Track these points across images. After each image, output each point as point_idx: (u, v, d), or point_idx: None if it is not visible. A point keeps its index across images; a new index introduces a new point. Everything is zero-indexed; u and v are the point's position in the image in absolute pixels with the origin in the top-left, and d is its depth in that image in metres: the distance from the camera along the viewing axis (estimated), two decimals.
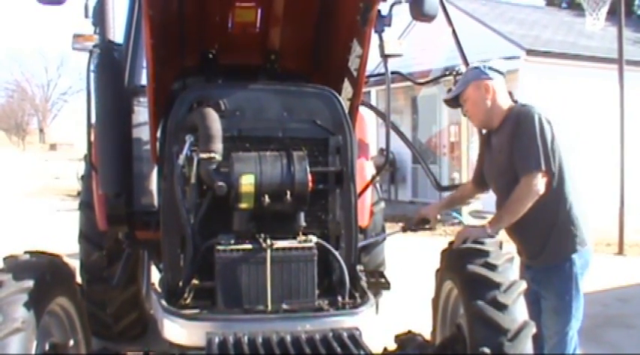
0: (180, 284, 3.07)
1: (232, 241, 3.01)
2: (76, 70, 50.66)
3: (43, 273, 2.85)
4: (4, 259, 2.94)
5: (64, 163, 29.75)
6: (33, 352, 2.67)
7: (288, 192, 3.02)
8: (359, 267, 3.42)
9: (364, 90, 3.94)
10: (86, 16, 3.63)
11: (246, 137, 3.27)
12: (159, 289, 3.24)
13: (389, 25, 3.67)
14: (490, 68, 3.57)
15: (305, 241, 3.09)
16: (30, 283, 2.72)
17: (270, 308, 2.96)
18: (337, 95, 3.45)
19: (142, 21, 3.22)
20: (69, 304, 3.10)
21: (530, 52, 14.33)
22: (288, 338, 2.73)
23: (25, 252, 3.03)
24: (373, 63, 4.20)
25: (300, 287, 3.04)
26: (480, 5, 18.05)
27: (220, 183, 2.98)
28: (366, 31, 3.50)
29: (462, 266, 3.13)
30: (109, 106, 3.48)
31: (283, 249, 3.03)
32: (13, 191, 20.32)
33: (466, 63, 4.34)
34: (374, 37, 3.62)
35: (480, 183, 3.83)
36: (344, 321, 2.93)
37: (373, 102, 14.36)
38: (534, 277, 3.46)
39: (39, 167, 32.87)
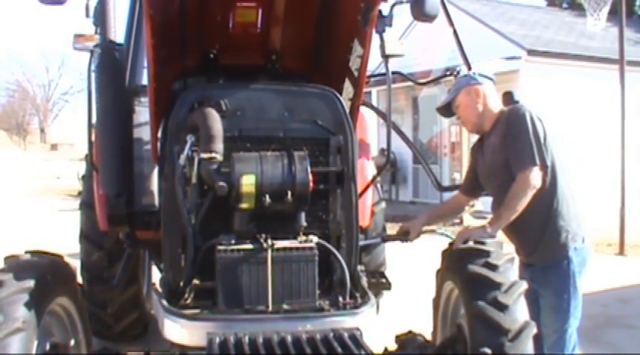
0: (181, 284, 3.07)
1: (233, 241, 3.01)
2: (77, 70, 50.67)
3: (43, 273, 2.85)
4: (5, 259, 2.95)
5: (65, 163, 29.77)
6: (34, 352, 2.67)
7: (289, 192, 3.02)
8: (360, 267, 3.42)
9: (365, 90, 3.94)
10: (87, 16, 3.63)
11: (247, 137, 3.27)
12: (159, 289, 3.24)
13: (390, 25, 3.67)
14: (480, 74, 3.67)
15: (306, 241, 3.09)
16: (31, 283, 2.72)
17: (270, 308, 2.96)
18: (338, 95, 3.45)
19: (143, 21, 3.22)
20: (70, 304, 3.11)
21: (531, 53, 14.33)
22: (289, 338, 2.73)
23: (26, 252, 3.03)
24: (374, 63, 4.21)
25: (301, 288, 3.04)
26: (481, 5, 18.05)
27: (221, 183, 2.98)
28: (367, 31, 3.50)
29: (462, 266, 3.13)
30: (110, 106, 3.49)
31: (284, 249, 3.03)
32: (14, 191, 20.34)
33: (467, 63, 4.35)
34: (375, 37, 3.62)
35: (471, 190, 3.88)
36: (345, 321, 2.93)
37: (374, 103, 14.36)
38: (533, 276, 3.47)
39: (40, 167, 32.89)
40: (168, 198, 3.18)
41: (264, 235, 3.03)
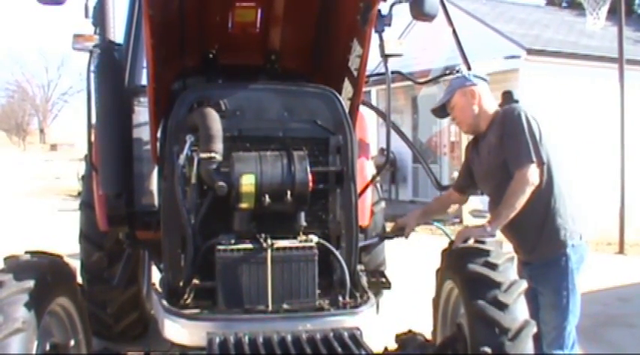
0: (181, 284, 3.07)
1: (233, 241, 3.01)
2: (77, 70, 50.70)
3: (43, 273, 2.85)
4: (5, 259, 2.95)
5: (65, 163, 29.77)
6: (34, 352, 2.67)
7: (289, 192, 3.02)
8: (359, 267, 3.42)
9: (364, 89, 3.94)
10: (86, 16, 3.63)
11: (247, 137, 3.27)
12: (159, 289, 3.24)
13: (389, 25, 3.67)
14: (474, 75, 3.70)
15: (306, 241, 3.09)
16: (31, 283, 2.72)
17: (270, 308, 2.96)
18: (337, 95, 3.45)
19: (142, 21, 3.21)
20: (70, 304, 3.11)
21: (531, 52, 14.33)
22: (289, 337, 2.73)
23: (26, 252, 3.03)
24: (373, 62, 4.20)
25: (301, 287, 3.04)
26: (480, 5, 18.05)
27: (221, 183, 2.98)
28: (366, 31, 3.50)
29: (462, 265, 3.13)
30: (110, 106, 3.48)
31: (284, 248, 3.03)
32: (14, 191, 20.34)
33: (467, 62, 4.35)
34: (374, 37, 3.62)
35: (464, 188, 3.90)
36: (345, 321, 2.93)
37: (373, 102, 14.36)
38: (531, 274, 3.48)
39: (39, 167, 32.89)
40: (168, 198, 3.17)
41: (263, 235, 3.03)
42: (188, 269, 3.07)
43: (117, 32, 3.71)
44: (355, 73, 3.72)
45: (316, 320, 2.92)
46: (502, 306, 2.90)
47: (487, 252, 3.15)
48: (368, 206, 4.38)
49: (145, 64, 3.78)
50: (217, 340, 2.69)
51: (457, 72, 4.33)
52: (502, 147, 3.45)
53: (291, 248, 3.04)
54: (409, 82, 6.49)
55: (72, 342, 3.13)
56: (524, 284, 3.04)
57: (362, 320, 2.95)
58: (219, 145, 3.07)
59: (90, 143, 3.80)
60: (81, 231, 4.71)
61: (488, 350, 2.78)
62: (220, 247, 2.99)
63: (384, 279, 4.39)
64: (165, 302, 2.98)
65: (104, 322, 4.73)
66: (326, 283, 3.23)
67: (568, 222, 3.47)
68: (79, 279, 3.79)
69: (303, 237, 3.11)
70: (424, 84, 5.92)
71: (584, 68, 14.51)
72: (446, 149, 16.63)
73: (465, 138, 14.96)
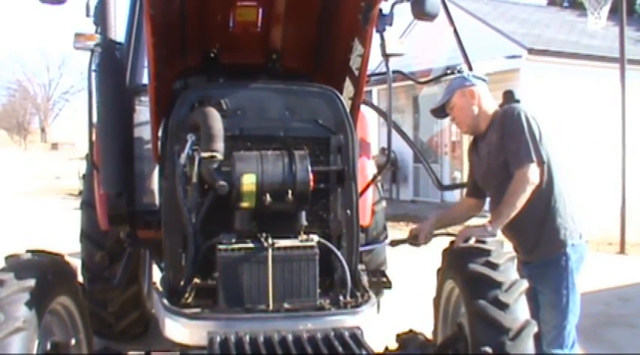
0: (182, 283, 3.07)
1: (234, 240, 3.01)
2: (78, 69, 50.77)
3: (44, 272, 2.85)
4: (6, 258, 2.95)
5: (66, 163, 29.81)
6: (34, 351, 2.67)
7: (290, 192, 3.02)
8: (360, 266, 3.42)
9: (365, 89, 3.93)
10: (87, 15, 3.63)
11: (248, 136, 3.27)
12: (160, 288, 3.24)
13: (390, 24, 3.67)
14: (473, 76, 3.70)
15: (306, 240, 3.08)
16: (31, 282, 2.72)
17: (271, 307, 2.96)
18: (339, 94, 3.45)
19: (143, 20, 3.22)
20: (70, 303, 3.10)
21: (532, 51, 14.33)
22: (290, 337, 2.73)
23: (27, 251, 3.03)
24: (374, 62, 4.21)
25: (302, 287, 3.03)
26: (481, 4, 18.04)
27: (222, 183, 2.98)
28: (367, 30, 3.50)
29: (463, 265, 3.13)
30: (111, 106, 3.48)
31: (285, 248, 3.02)
32: (15, 190, 20.35)
33: (468, 62, 4.35)
34: (375, 36, 3.62)
35: (476, 192, 3.85)
36: (345, 320, 2.93)
37: (375, 102, 14.36)
38: (531, 273, 3.48)
39: (40, 166, 32.90)
40: (169, 198, 3.18)
41: (264, 234, 3.03)
42: (189, 269, 3.07)
43: (118, 31, 3.71)
44: (356, 73, 3.72)
45: (317, 319, 2.92)
46: (503, 306, 2.89)
47: (488, 252, 3.14)
48: (369, 205, 4.37)
49: (146, 63, 3.78)
50: (218, 339, 2.69)
51: (458, 71, 4.33)
52: (502, 147, 3.45)
53: (292, 247, 3.04)
54: (410, 82, 6.51)
55: (73, 341, 3.13)
56: (524, 284, 3.04)
57: (363, 320, 2.95)
58: (220, 144, 3.07)
59: (91, 142, 3.80)
60: (82, 230, 4.71)
61: (488, 349, 2.78)
62: (221, 246, 2.99)
63: (384, 279, 4.39)
64: (166, 302, 2.98)
65: (105, 321, 4.73)
66: (327, 282, 3.23)
67: (568, 222, 3.48)
68: (80, 278, 3.79)
69: (304, 237, 3.10)
70: (425, 83, 5.93)
71: (585, 68, 14.51)
72: (447, 148, 16.62)
73: (467, 138, 14.98)
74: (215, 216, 3.13)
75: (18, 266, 2.85)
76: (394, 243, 4.09)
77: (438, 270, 3.60)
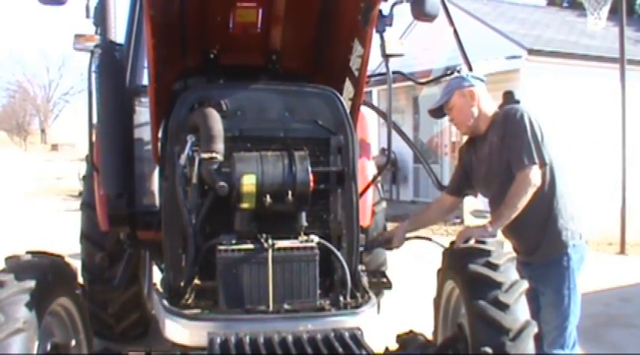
0: (182, 284, 3.07)
1: (234, 241, 3.01)
2: (78, 70, 50.77)
3: (44, 273, 2.85)
4: (6, 259, 2.95)
5: (66, 164, 29.80)
6: (34, 352, 2.67)
7: (290, 192, 3.02)
8: (360, 267, 3.42)
9: (365, 89, 3.94)
10: (87, 16, 3.63)
11: (248, 137, 3.27)
12: (160, 289, 3.24)
13: (390, 25, 3.67)
14: (472, 76, 3.69)
15: (307, 241, 3.09)
16: (32, 283, 2.72)
17: (271, 308, 2.96)
18: (338, 95, 3.45)
19: (143, 21, 3.22)
20: (70, 304, 3.10)
21: (532, 52, 14.33)
22: (290, 338, 2.73)
23: (27, 252, 3.03)
24: (374, 63, 4.20)
25: (302, 287, 3.03)
26: (481, 5, 18.05)
27: (222, 183, 2.98)
28: (367, 31, 3.50)
29: (463, 265, 3.13)
30: (111, 107, 3.49)
31: (285, 248, 3.03)
32: (15, 191, 20.35)
33: (468, 63, 4.35)
34: (375, 37, 3.62)
35: (457, 191, 3.86)
36: (346, 321, 2.93)
37: (374, 102, 14.35)
38: (532, 274, 3.48)
39: (40, 167, 32.90)
40: (169, 199, 3.18)
41: (264, 235, 3.03)
42: (189, 270, 3.07)
43: (118, 32, 3.71)
44: (356, 73, 3.72)
45: (317, 320, 2.92)
46: (503, 307, 2.89)
47: (488, 253, 3.14)
48: (369, 206, 4.37)
49: (146, 64, 3.78)
50: (218, 340, 2.69)
51: (458, 72, 4.33)
52: (504, 148, 3.45)
53: (292, 248, 3.04)
54: (410, 82, 6.50)
55: (73, 342, 3.13)
56: (525, 285, 3.04)
57: (363, 321, 2.95)
58: (220, 145, 3.07)
59: (91, 143, 3.80)
60: (82, 231, 4.71)
61: (489, 350, 2.78)
62: (221, 247, 2.99)
63: (385, 279, 4.38)
64: (166, 303, 2.98)
65: (105, 322, 4.73)
66: (327, 283, 3.23)
67: (569, 223, 3.48)
68: (80, 279, 3.79)
69: (304, 237, 3.10)
70: (425, 84, 5.92)
71: (585, 68, 14.51)
72: (447, 149, 16.61)
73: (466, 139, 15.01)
74: (215, 216, 3.13)
75: (18, 267, 2.84)
76: (369, 246, 4.07)
77: (438, 271, 3.60)
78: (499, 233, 3.47)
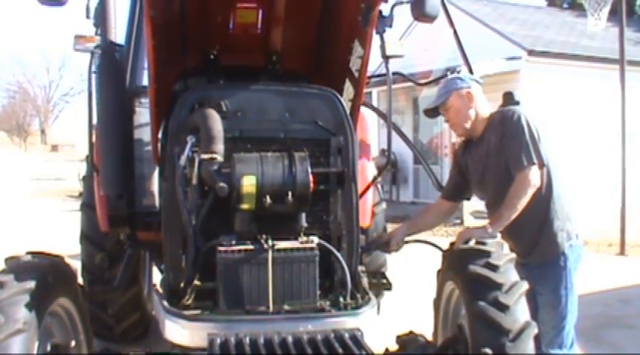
0: (182, 285, 3.07)
1: (234, 242, 3.01)
2: (78, 71, 50.92)
3: (44, 274, 2.85)
4: (6, 260, 2.94)
5: (66, 164, 29.80)
6: (34, 353, 2.67)
7: (290, 193, 3.02)
8: (360, 268, 3.42)
9: (365, 90, 3.94)
10: (87, 17, 3.63)
11: (248, 138, 3.28)
12: (160, 290, 3.23)
13: (390, 26, 3.67)
14: (469, 77, 3.69)
15: (306, 242, 3.09)
16: (31, 284, 2.72)
17: (271, 308, 2.96)
18: (338, 96, 3.45)
19: (144, 22, 3.22)
20: (70, 305, 3.10)
21: (532, 53, 14.33)
22: (290, 338, 2.73)
23: (27, 253, 3.03)
24: (374, 64, 4.20)
25: (302, 288, 3.04)
26: (481, 6, 18.06)
27: (222, 184, 2.98)
28: (367, 32, 3.50)
29: (463, 266, 3.12)
30: (111, 107, 3.49)
31: (285, 249, 3.03)
32: (15, 192, 20.34)
33: (468, 63, 4.35)
34: (375, 38, 3.62)
35: (454, 196, 3.86)
36: (345, 322, 2.93)
37: (374, 103, 14.35)
38: (529, 274, 3.47)
39: (40, 168, 32.90)
40: (169, 199, 3.18)
41: (264, 236, 3.03)
42: (189, 270, 3.07)
43: (118, 33, 3.71)
44: (356, 74, 3.72)
45: (317, 321, 2.92)
46: (503, 307, 2.89)
47: (488, 253, 3.14)
48: (369, 207, 4.37)
49: (146, 65, 3.78)
50: (218, 341, 2.69)
51: (458, 73, 4.33)
52: (502, 149, 3.45)
53: (292, 249, 3.04)
54: (410, 83, 6.50)
55: (73, 343, 3.13)
56: (525, 286, 3.04)
57: (363, 321, 2.95)
58: (220, 146, 3.07)
59: (91, 144, 3.81)
60: (82, 231, 4.71)
61: (489, 351, 2.78)
62: (221, 248, 2.99)
63: (384, 280, 4.39)
64: (166, 303, 2.98)
65: (105, 323, 4.73)
66: (327, 284, 3.23)
67: (566, 223, 3.50)
68: (80, 280, 3.78)
69: (304, 238, 3.10)
70: (425, 85, 5.92)
71: (585, 69, 14.51)
72: (447, 150, 16.60)
73: None
74: (215, 217, 3.13)
75: (18, 268, 2.84)
76: (365, 249, 4.05)
77: (438, 272, 3.60)
78: (498, 234, 3.48)
